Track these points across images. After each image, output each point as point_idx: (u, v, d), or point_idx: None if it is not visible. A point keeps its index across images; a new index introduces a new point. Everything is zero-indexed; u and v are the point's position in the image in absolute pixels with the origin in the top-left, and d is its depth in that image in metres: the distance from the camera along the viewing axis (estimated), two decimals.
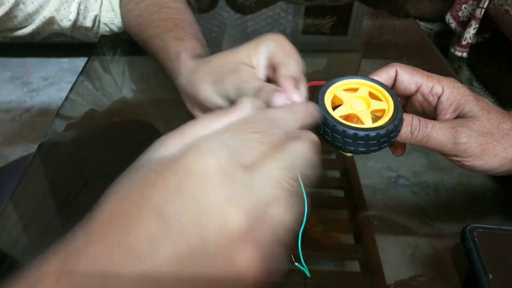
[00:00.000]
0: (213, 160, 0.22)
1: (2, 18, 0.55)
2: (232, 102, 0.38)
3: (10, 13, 0.55)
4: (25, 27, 0.59)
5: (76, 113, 0.57)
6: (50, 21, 0.60)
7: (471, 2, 1.43)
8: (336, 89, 0.38)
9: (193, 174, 0.22)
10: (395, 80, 0.40)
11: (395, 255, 0.40)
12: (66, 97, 0.57)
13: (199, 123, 0.26)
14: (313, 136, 0.27)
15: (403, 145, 0.40)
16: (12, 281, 0.21)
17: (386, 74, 0.40)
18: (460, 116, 0.38)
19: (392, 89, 0.39)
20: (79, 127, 0.55)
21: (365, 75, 0.40)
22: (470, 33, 1.40)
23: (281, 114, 0.27)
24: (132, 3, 0.59)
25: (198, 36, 0.50)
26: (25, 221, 0.42)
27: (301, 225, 0.26)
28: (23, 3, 0.56)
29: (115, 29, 0.65)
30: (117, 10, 0.62)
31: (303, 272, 0.31)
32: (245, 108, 0.27)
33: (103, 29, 0.65)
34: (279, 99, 0.33)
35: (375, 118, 0.37)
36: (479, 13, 1.35)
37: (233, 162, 0.22)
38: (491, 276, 0.33)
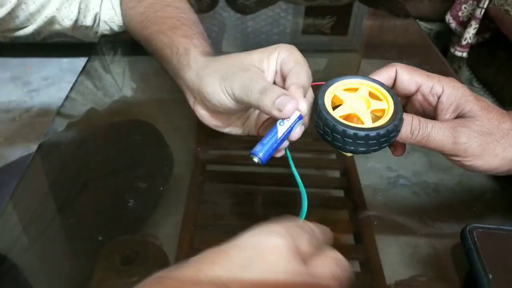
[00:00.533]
0: (282, 239, 0.25)
1: (4, 18, 0.55)
2: (236, 100, 0.39)
3: (12, 13, 0.55)
4: (26, 27, 0.59)
5: (77, 112, 0.57)
6: (51, 20, 0.60)
7: (471, 2, 1.43)
8: (336, 89, 0.38)
9: (263, 249, 0.24)
10: (395, 80, 0.40)
11: (395, 255, 0.40)
12: (67, 96, 0.57)
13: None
14: (339, 256, 0.29)
15: (403, 145, 0.40)
16: None
17: (386, 74, 0.40)
18: (460, 116, 0.38)
19: (392, 89, 0.39)
20: (80, 126, 0.55)
21: (365, 75, 0.40)
22: (470, 33, 1.40)
23: (316, 229, 0.29)
24: (135, 1, 0.58)
25: (204, 36, 0.50)
26: (25, 221, 0.42)
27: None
28: (25, 3, 0.56)
29: (115, 27, 0.65)
30: (117, 8, 0.62)
31: None
32: None
33: (103, 27, 0.65)
34: (291, 106, 0.34)
35: (375, 118, 0.37)
36: (479, 13, 1.36)
37: (296, 246, 0.25)
38: (491, 276, 0.33)
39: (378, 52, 0.77)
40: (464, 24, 1.45)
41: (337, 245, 0.42)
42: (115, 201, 0.44)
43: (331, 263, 0.27)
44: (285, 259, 0.24)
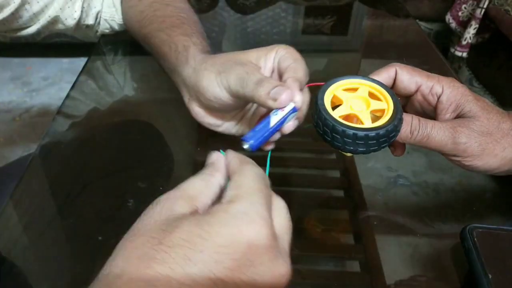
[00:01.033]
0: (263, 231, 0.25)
1: (7, 18, 0.55)
2: (231, 93, 0.39)
3: (15, 14, 0.56)
4: (29, 26, 0.59)
5: (77, 112, 0.57)
6: (55, 20, 0.60)
7: (471, 2, 1.43)
8: (336, 89, 0.38)
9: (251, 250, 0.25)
10: (395, 80, 0.40)
11: (395, 255, 0.40)
12: (68, 95, 0.58)
13: (197, 182, 0.29)
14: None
15: (403, 145, 0.40)
16: None
17: (386, 74, 0.40)
18: (460, 116, 0.38)
19: (392, 89, 0.39)
20: (80, 126, 0.55)
21: (365, 75, 0.40)
22: (470, 33, 1.40)
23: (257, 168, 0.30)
24: None
25: (204, 35, 0.50)
26: (25, 221, 0.42)
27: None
28: (29, 3, 0.56)
29: (115, 26, 0.65)
30: (118, 6, 0.62)
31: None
32: (221, 164, 0.30)
33: (103, 26, 0.65)
34: (286, 96, 0.34)
35: (375, 118, 0.37)
36: (479, 13, 1.36)
37: (270, 225, 0.26)
38: (490, 276, 0.33)
39: (378, 52, 0.77)
40: (464, 24, 1.45)
41: (337, 245, 0.42)
42: (115, 201, 0.44)
43: (283, 213, 0.28)
44: (270, 256, 0.25)
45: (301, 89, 0.36)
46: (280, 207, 0.29)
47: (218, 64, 0.40)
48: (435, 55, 0.72)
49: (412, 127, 0.37)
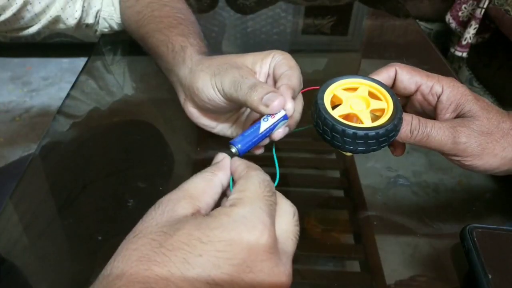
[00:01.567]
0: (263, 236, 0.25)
1: (9, 19, 0.55)
2: (225, 96, 0.39)
3: (17, 14, 0.56)
4: (30, 27, 0.59)
5: (77, 112, 0.57)
6: (56, 20, 0.60)
7: (471, 2, 1.43)
8: (336, 89, 0.38)
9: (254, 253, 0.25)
10: (395, 80, 0.40)
11: (395, 255, 0.40)
12: (68, 94, 0.58)
13: (199, 182, 0.28)
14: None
15: (402, 145, 0.40)
16: None
17: (386, 74, 0.40)
18: (459, 116, 0.38)
19: (392, 89, 0.39)
20: (80, 126, 0.55)
21: (365, 75, 0.40)
22: (470, 33, 1.40)
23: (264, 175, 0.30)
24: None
25: (201, 36, 0.50)
26: (25, 221, 0.42)
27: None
28: (30, 4, 0.56)
29: (114, 25, 0.65)
30: (117, 5, 0.62)
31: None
32: (225, 164, 0.30)
33: (102, 25, 0.65)
34: (278, 103, 0.34)
35: (375, 118, 0.37)
36: (479, 13, 1.35)
37: (272, 230, 0.26)
38: (490, 276, 0.33)
39: (378, 52, 0.77)
40: (464, 24, 1.45)
41: (337, 245, 0.42)
42: (115, 201, 0.44)
43: (289, 220, 0.29)
44: (272, 262, 0.25)
45: (294, 97, 0.36)
46: (286, 211, 0.28)
47: (214, 66, 0.40)
48: (435, 55, 0.72)
49: (412, 126, 0.37)
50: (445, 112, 0.39)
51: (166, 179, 0.48)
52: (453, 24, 1.50)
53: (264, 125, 0.35)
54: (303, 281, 0.38)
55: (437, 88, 0.39)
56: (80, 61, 1.93)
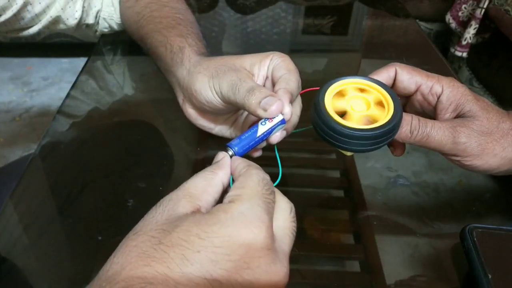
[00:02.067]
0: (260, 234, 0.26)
1: (10, 20, 0.55)
2: (222, 99, 0.39)
3: (17, 15, 0.56)
4: (31, 27, 0.59)
5: (78, 111, 0.57)
6: (56, 20, 0.60)
7: (471, 2, 1.43)
8: (336, 89, 0.38)
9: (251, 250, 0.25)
10: (395, 80, 0.40)
11: (395, 255, 0.40)
12: (68, 94, 0.58)
13: (200, 181, 0.29)
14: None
15: (402, 145, 0.40)
16: None
17: (386, 74, 0.40)
18: (459, 116, 0.38)
19: (392, 89, 0.39)
20: (80, 126, 0.55)
21: (365, 75, 0.40)
22: (470, 33, 1.40)
23: (263, 173, 0.30)
24: (132, 0, 0.59)
25: (200, 36, 0.50)
26: (25, 221, 0.42)
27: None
28: (31, 4, 0.56)
29: (114, 25, 0.65)
30: (117, 5, 0.62)
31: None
32: (225, 163, 0.31)
33: (102, 25, 0.65)
34: (276, 107, 0.34)
35: (375, 118, 0.37)
36: (479, 13, 1.35)
37: (269, 231, 0.26)
38: (490, 276, 0.33)
39: (378, 52, 0.77)
40: (464, 24, 1.45)
41: (337, 245, 0.42)
42: (115, 201, 0.44)
43: (289, 208, 0.29)
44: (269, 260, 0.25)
45: (292, 101, 0.36)
46: (283, 208, 0.29)
47: (212, 68, 0.40)
48: (435, 55, 0.72)
49: (412, 126, 0.37)
50: (445, 112, 0.39)
51: (166, 179, 0.48)
52: (453, 24, 1.50)
53: (262, 129, 0.35)
54: (303, 281, 0.38)
55: (437, 88, 0.39)
56: (80, 61, 1.93)
